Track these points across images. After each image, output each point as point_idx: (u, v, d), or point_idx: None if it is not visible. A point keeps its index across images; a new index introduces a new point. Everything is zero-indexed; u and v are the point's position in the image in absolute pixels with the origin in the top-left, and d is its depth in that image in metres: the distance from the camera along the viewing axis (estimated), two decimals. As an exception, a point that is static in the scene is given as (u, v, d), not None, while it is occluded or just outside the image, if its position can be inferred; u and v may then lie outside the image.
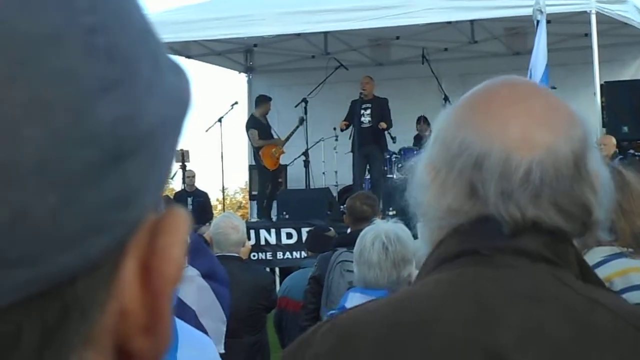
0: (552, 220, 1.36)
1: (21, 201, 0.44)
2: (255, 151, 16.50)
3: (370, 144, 15.26)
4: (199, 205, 16.24)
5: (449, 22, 15.06)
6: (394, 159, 15.14)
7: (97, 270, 0.49)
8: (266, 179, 16.48)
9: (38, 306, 0.47)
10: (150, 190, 0.51)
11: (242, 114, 18.21)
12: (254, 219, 16.36)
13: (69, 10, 0.47)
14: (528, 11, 12.08)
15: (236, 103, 17.37)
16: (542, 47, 4.58)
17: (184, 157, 17.32)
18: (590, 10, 12.89)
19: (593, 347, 1.32)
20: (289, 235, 13.98)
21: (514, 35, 16.82)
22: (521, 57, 16.40)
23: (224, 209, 19.55)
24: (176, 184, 18.22)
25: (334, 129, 16.01)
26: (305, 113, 16.16)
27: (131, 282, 0.52)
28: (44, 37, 0.45)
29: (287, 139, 16.44)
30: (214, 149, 26.42)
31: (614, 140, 13.22)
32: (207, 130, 17.01)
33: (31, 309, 0.46)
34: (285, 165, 16.80)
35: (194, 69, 20.00)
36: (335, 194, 15.76)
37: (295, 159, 16.53)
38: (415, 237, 5.19)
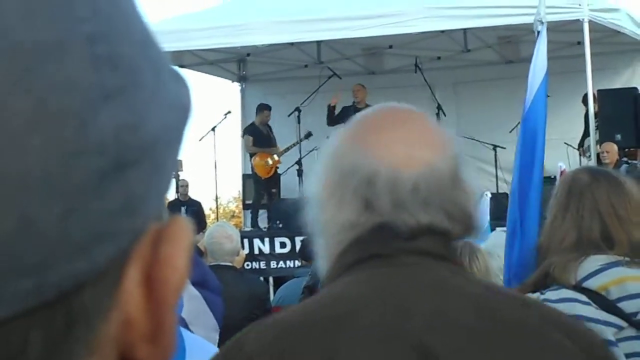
0: (443, 223, 1.56)
1: (26, 211, 0.44)
2: (250, 159, 16.54)
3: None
4: (192, 214, 16.19)
5: (442, 31, 15.09)
6: (388, 168, 15.13)
7: (101, 279, 0.49)
8: (260, 188, 16.50)
9: (44, 316, 0.47)
10: (153, 198, 0.51)
11: (235, 124, 18.22)
12: (248, 228, 16.35)
13: (71, 19, 0.47)
14: (521, 20, 12.10)
15: (229, 112, 17.37)
16: (541, 57, 4.57)
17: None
18: (583, 19, 12.90)
19: (493, 327, 1.50)
20: (283, 245, 13.98)
21: (506, 43, 16.84)
22: (514, 65, 16.45)
23: (217, 218, 19.52)
24: (169, 193, 18.18)
25: (328, 137, 15.94)
26: (299, 122, 16.18)
27: (135, 291, 0.52)
28: (47, 46, 0.45)
29: (286, 150, 16.44)
30: (208, 158, 26.40)
31: (616, 148, 13.25)
32: (200, 140, 17.02)
33: (37, 319, 0.46)
34: (279, 175, 16.79)
35: (187, 79, 20.05)
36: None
37: (289, 168, 16.53)
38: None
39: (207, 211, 21.23)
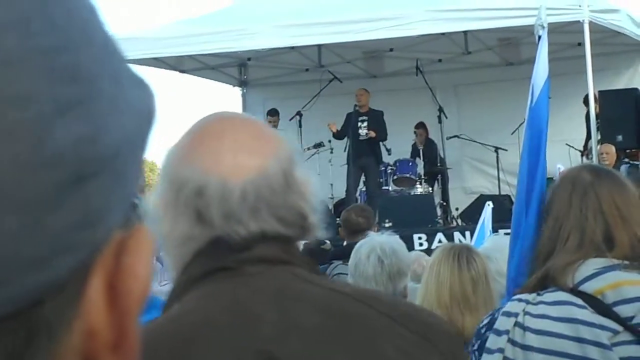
0: (276, 229, 1.57)
1: None
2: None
3: (366, 156, 15.29)
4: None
5: (443, 34, 15.07)
6: (389, 171, 15.14)
7: (62, 290, 0.49)
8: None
9: (3, 329, 0.46)
10: (116, 208, 0.51)
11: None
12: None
13: (23, 33, 0.46)
14: (521, 22, 12.10)
15: (231, 117, 17.34)
16: (543, 61, 4.57)
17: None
18: (583, 20, 12.88)
19: (340, 330, 1.53)
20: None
21: (507, 45, 16.84)
22: (514, 67, 16.46)
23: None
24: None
25: (330, 141, 16.02)
26: (300, 126, 16.16)
27: (98, 301, 0.51)
28: (1, 59, 0.45)
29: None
30: (210, 163, 26.28)
31: (614, 149, 13.23)
32: (202, 145, 16.97)
33: None
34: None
35: (188, 84, 19.96)
36: (330, 206, 15.74)
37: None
38: (409, 249, 5.19)
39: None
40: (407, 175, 15.12)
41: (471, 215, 13.19)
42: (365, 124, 15.37)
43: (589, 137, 14.30)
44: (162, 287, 5.31)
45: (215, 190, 1.55)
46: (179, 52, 15.05)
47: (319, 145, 16.00)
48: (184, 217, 1.58)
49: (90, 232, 0.49)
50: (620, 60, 16.33)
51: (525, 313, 2.66)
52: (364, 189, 15.57)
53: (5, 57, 0.45)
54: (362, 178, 15.63)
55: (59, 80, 0.47)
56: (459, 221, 14.78)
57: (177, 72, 17.09)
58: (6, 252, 0.45)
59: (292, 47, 15.85)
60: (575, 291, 2.65)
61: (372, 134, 15.24)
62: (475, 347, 2.83)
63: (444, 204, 15.62)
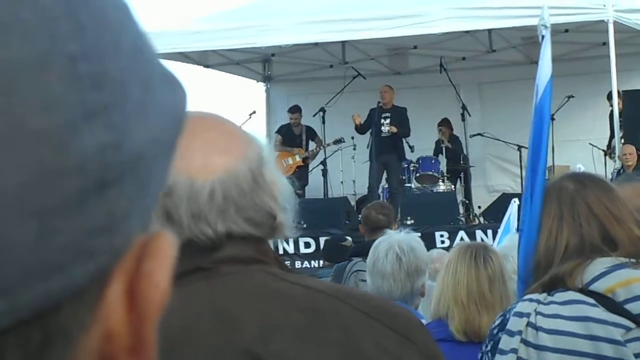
0: (243, 229, 1.58)
1: (1, 229, 0.44)
2: (275, 158, 16.56)
3: (388, 153, 15.26)
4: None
5: (467, 32, 15.05)
6: (412, 168, 15.13)
7: (80, 296, 0.48)
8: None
9: (19, 335, 0.46)
10: (138, 213, 0.51)
11: (260, 123, 18.22)
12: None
13: (53, 36, 0.46)
14: (545, 20, 12.04)
15: (254, 112, 17.37)
16: (546, 61, 4.56)
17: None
18: (608, 20, 12.83)
19: (319, 326, 1.54)
20: (307, 245, 13.97)
21: (531, 44, 16.69)
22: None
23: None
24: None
25: (352, 138, 16.00)
26: (323, 122, 16.15)
27: (117, 306, 0.51)
28: (28, 63, 0.45)
29: (311, 152, 16.45)
30: (233, 157, 26.22)
31: (634, 149, 13.16)
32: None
33: (12, 338, 0.46)
34: (307, 175, 16.71)
35: (212, 79, 19.99)
36: (353, 203, 15.73)
37: (314, 168, 16.54)
38: (427, 248, 5.19)
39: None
40: (430, 172, 15.09)
41: (493, 213, 13.17)
42: (388, 120, 15.36)
43: (612, 136, 14.24)
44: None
45: (184, 189, 1.55)
46: (203, 47, 15.08)
47: (338, 141, 15.98)
48: (154, 217, 1.56)
49: (111, 238, 0.49)
50: (645, 60, 16.24)
51: (537, 313, 2.68)
52: (386, 185, 15.55)
53: (36, 58, 0.45)
54: (385, 175, 15.60)
55: (85, 86, 0.46)
56: (481, 219, 14.73)
57: (202, 67, 17.11)
58: (25, 258, 0.44)
59: (316, 44, 15.83)
60: (585, 291, 2.66)
61: (394, 129, 15.21)
62: (488, 348, 2.84)
63: (467, 201, 15.56)
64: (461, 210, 15.03)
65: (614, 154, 13.68)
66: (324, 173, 16.19)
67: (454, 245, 5.85)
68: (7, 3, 0.45)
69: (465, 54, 17.27)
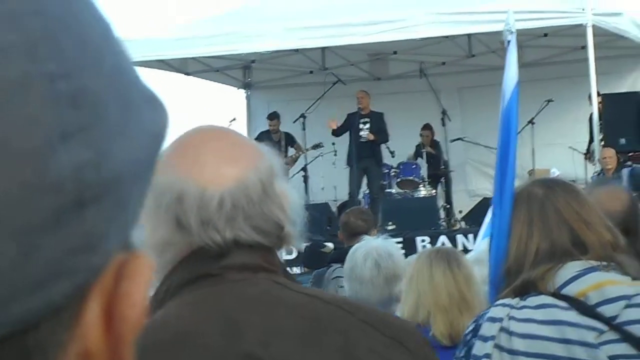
0: (251, 237, 1.62)
1: None
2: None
3: (367, 157, 15.29)
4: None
5: (447, 37, 15.08)
6: (393, 173, 15.15)
7: (58, 314, 0.48)
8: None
9: None
10: (116, 232, 0.51)
11: (240, 130, 18.18)
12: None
13: (32, 57, 0.46)
14: (524, 25, 12.09)
15: (234, 119, 17.37)
16: (512, 67, 4.58)
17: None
18: (587, 23, 12.88)
19: (321, 332, 1.59)
20: (288, 251, 13.96)
21: (511, 48, 16.83)
22: (518, 70, 16.42)
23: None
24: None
25: (333, 144, 16.02)
26: (304, 129, 16.17)
27: (94, 325, 0.51)
28: (9, 84, 0.45)
29: (290, 158, 16.45)
30: (214, 164, 26.20)
31: (614, 152, 13.21)
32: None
33: None
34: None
35: (192, 86, 19.97)
36: (334, 209, 15.74)
37: (295, 174, 16.55)
38: (409, 253, 5.19)
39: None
40: (411, 177, 15.12)
41: (475, 217, 13.19)
42: (368, 125, 15.38)
43: (592, 140, 14.30)
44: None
45: (195, 197, 1.59)
46: (183, 54, 15.07)
47: (317, 146, 16.01)
48: (165, 224, 1.62)
49: (89, 256, 0.49)
50: (624, 64, 16.31)
51: (510, 318, 2.68)
52: (367, 191, 15.57)
53: (17, 78, 0.45)
54: (365, 180, 15.62)
55: (63, 107, 0.47)
56: (463, 224, 14.79)
57: (182, 75, 17.10)
58: (4, 275, 0.45)
59: (296, 50, 15.87)
60: (557, 295, 2.67)
61: (372, 137, 15.24)
62: (462, 354, 2.84)
63: (448, 206, 15.62)
64: (442, 214, 15.09)
65: (594, 157, 13.73)
66: (305, 179, 16.21)
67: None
68: None
69: (445, 59, 17.32)
